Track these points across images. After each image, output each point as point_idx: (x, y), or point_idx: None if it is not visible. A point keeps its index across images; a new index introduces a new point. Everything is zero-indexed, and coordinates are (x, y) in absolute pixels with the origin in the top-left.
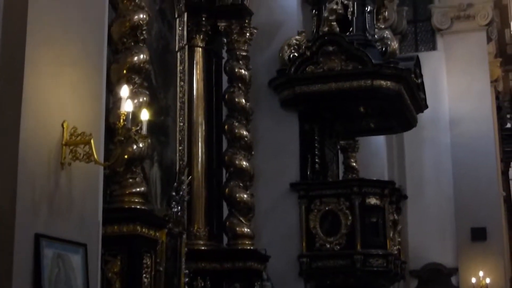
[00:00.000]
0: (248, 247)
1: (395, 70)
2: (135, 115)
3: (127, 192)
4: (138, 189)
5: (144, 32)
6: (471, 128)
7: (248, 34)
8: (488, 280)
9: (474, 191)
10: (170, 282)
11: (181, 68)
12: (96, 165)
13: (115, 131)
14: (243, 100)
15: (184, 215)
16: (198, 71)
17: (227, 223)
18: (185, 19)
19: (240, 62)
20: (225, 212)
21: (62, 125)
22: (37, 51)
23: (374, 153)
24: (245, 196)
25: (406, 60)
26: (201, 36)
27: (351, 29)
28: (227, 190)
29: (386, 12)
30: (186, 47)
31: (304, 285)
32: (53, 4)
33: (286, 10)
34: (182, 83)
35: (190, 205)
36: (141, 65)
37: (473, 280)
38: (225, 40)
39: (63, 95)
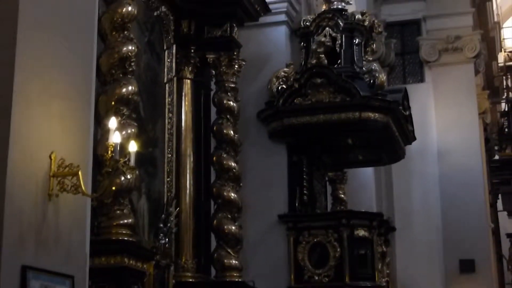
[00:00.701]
0: (236, 279)
1: (383, 102)
2: (123, 146)
3: (115, 223)
4: (125, 221)
5: (132, 64)
6: (459, 160)
7: (236, 66)
8: None
9: (462, 223)
10: None
11: (169, 99)
12: (83, 196)
13: (103, 162)
14: (232, 132)
15: (171, 247)
16: (186, 103)
17: (215, 255)
18: (174, 51)
19: (229, 94)
20: (213, 244)
21: (50, 157)
22: (26, 82)
23: (363, 185)
24: (233, 228)
25: (394, 92)
26: (190, 68)
27: (339, 61)
28: (215, 221)
29: (374, 45)
30: (175, 79)
31: None
32: (42, 35)
33: (275, 42)
34: (170, 114)
35: (178, 237)
36: (130, 96)
37: None
38: (213, 72)
39: (51, 127)
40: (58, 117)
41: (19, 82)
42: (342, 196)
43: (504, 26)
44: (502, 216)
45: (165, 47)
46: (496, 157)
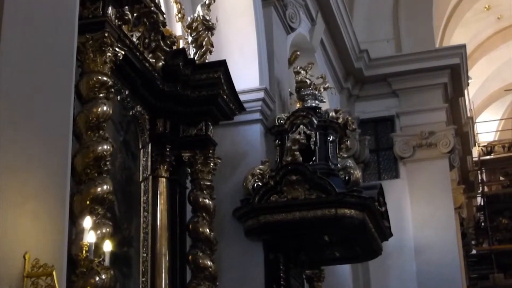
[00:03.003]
0: None
1: (359, 199)
2: (97, 246)
3: None
4: None
5: (107, 163)
6: (436, 255)
7: (212, 164)
8: None
9: None
10: None
11: (144, 198)
12: None
13: (78, 262)
14: (207, 230)
15: None
16: (162, 201)
17: None
18: (149, 149)
19: (204, 191)
20: None
21: (24, 257)
22: (0, 181)
23: (340, 282)
24: None
25: (370, 189)
26: (165, 166)
27: (314, 158)
28: None
29: (349, 142)
30: (150, 177)
31: None
32: (17, 134)
33: (250, 140)
34: (145, 213)
35: None
36: (105, 196)
37: None
38: (189, 170)
39: (25, 226)
40: (32, 217)
41: None
42: None
43: (477, 121)
44: None
45: (140, 146)
46: (474, 251)
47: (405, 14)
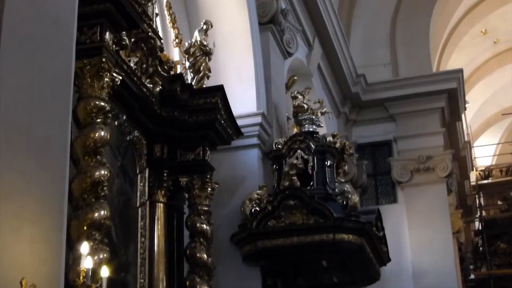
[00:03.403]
0: None
1: (357, 224)
2: (95, 272)
3: None
4: None
5: (105, 188)
6: (435, 280)
7: (209, 189)
8: None
9: None
10: None
11: (142, 223)
12: None
13: None
14: (205, 256)
15: None
16: (159, 227)
17: None
18: (147, 175)
19: (202, 217)
20: None
21: (21, 282)
22: None
23: None
24: None
25: (367, 213)
26: (163, 191)
27: (311, 183)
28: None
29: (346, 166)
30: (147, 202)
31: None
32: (14, 159)
33: (247, 165)
34: (143, 239)
35: None
36: (102, 221)
37: None
38: (186, 195)
39: (22, 252)
40: (29, 242)
41: None
42: None
43: (474, 145)
44: None
45: (137, 171)
46: (472, 276)
47: (402, 39)
